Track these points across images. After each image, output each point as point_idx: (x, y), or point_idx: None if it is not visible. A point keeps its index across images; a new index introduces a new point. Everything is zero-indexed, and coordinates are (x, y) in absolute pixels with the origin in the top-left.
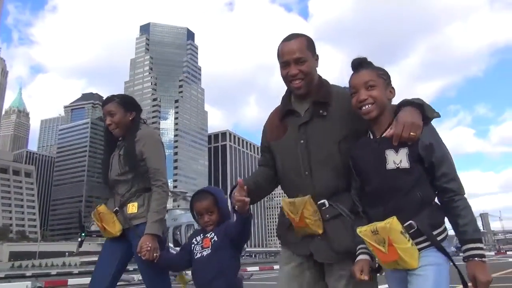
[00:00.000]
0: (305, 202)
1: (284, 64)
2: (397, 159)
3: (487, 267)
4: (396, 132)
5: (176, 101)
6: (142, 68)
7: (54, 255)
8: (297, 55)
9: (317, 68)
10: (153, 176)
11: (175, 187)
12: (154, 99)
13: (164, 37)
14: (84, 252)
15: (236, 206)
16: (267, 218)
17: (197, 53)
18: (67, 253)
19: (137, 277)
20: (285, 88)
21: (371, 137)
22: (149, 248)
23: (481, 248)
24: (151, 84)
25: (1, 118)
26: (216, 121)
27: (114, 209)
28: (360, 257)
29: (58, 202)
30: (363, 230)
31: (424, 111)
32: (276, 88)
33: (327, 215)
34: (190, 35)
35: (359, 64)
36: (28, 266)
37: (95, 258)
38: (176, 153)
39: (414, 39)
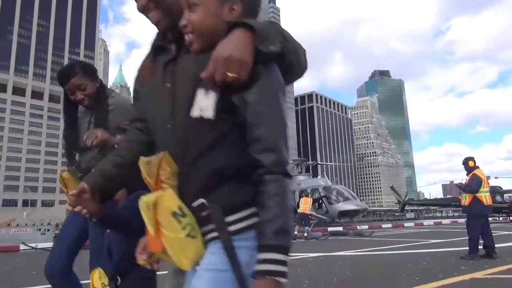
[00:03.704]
0: (160, 160)
1: None
2: (203, 104)
3: None
4: (206, 74)
5: None
6: None
7: None
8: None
9: None
10: None
11: None
12: None
13: None
14: None
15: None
16: (359, 178)
17: (279, 16)
18: None
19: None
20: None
21: None
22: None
23: (278, 262)
24: None
25: None
26: (302, 83)
27: (79, 175)
28: None
29: None
30: (144, 200)
31: (255, 40)
32: (362, 43)
33: None
34: None
35: None
36: None
37: None
38: None
39: None
